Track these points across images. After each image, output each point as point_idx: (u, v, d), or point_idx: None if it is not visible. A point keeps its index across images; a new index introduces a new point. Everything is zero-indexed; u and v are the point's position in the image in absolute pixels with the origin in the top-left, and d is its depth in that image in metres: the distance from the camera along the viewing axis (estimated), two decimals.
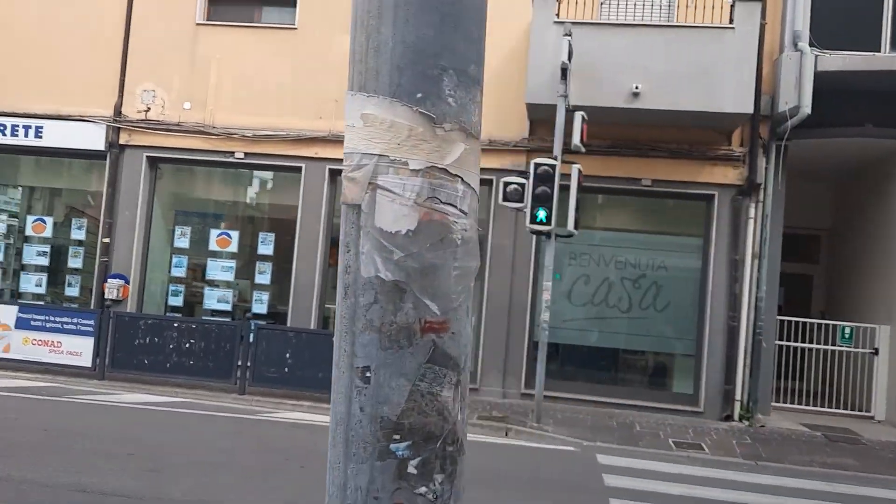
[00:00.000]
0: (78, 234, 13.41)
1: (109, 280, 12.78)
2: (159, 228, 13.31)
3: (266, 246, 12.97)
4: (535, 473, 7.86)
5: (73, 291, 13.35)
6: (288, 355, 10.57)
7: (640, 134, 11.72)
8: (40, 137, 13.03)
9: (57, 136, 13.01)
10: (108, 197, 12.98)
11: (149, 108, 12.93)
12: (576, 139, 10.26)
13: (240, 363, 10.62)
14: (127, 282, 12.86)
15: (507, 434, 9.82)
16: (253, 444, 8.02)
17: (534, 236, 11.51)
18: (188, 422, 8.92)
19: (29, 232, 13.48)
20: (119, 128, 12.95)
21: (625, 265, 12.22)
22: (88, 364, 10.84)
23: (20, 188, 13.93)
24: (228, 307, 12.92)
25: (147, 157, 12.97)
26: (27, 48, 13.20)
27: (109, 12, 13.03)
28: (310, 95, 12.59)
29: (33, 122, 13.02)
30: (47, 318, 11.00)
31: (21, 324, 10.98)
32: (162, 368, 10.76)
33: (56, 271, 13.52)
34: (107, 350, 10.80)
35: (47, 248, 13.48)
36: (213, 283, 13.05)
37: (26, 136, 13.03)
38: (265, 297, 12.94)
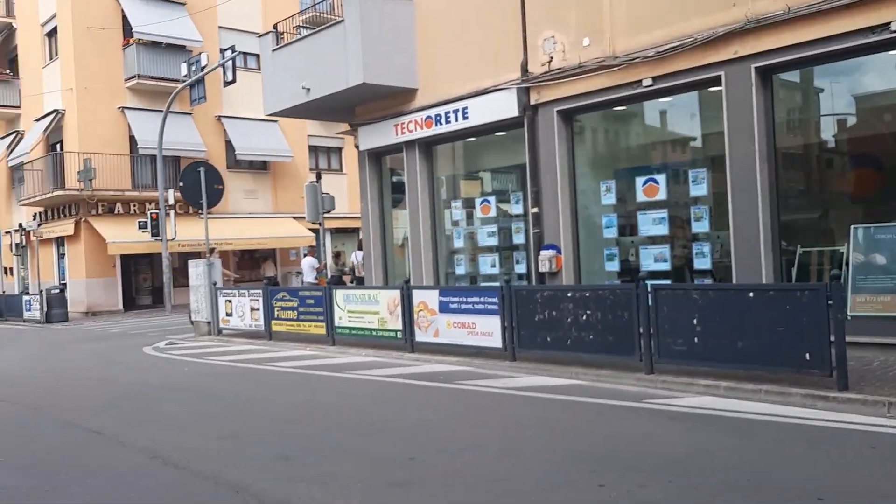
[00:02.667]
0: (516, 208, 12.89)
1: (542, 252, 11.89)
2: (584, 187, 11.89)
3: (698, 186, 10.40)
4: None
5: (521, 268, 12.87)
6: (695, 321, 8.01)
7: None
8: (467, 118, 12.92)
9: (479, 112, 12.73)
10: (530, 164, 12.13)
11: (551, 58, 11.65)
12: None
13: (642, 334, 8.49)
14: (559, 252, 11.78)
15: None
16: (584, 445, 6.00)
17: None
18: (542, 413, 7.31)
19: (479, 214, 13.51)
20: (528, 87, 11.98)
21: None
22: (499, 345, 10.03)
23: (469, 174, 14.12)
24: (667, 266, 10.75)
25: (557, 111, 11.70)
26: (445, 34, 13.27)
27: None
28: None
29: (460, 105, 13.00)
30: (462, 299, 10.58)
31: (443, 307, 10.80)
32: (562, 345, 9.30)
33: (506, 249, 13.25)
34: (513, 328, 9.84)
35: (494, 228, 13.30)
36: (649, 240, 11.03)
37: (456, 119, 13.08)
38: (706, 248, 10.38)
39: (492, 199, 13.32)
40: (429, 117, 13.55)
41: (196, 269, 15.85)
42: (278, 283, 28.42)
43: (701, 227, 10.43)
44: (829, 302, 7.01)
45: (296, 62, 14.72)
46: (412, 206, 14.24)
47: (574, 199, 11.86)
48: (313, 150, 31.69)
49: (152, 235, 23.78)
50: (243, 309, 14.62)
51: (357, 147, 15.30)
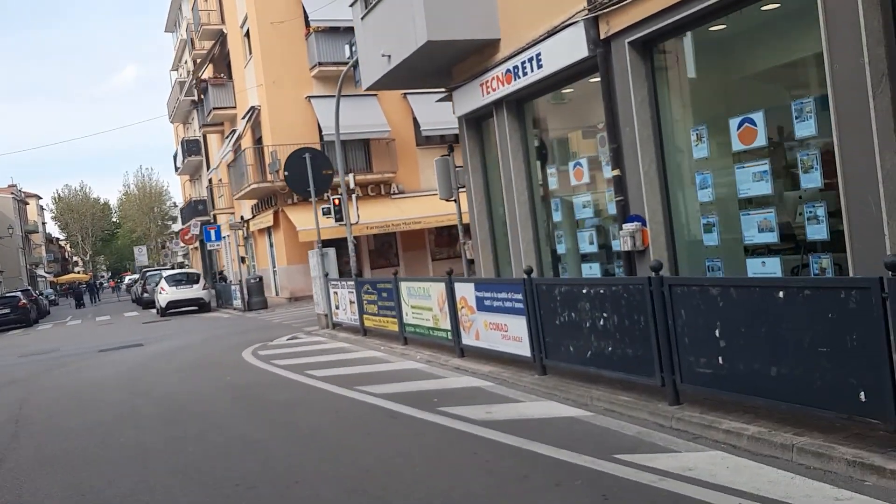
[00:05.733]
0: (608, 171, 10.34)
1: (624, 225, 9.35)
2: (671, 139, 9.11)
3: (804, 124, 7.28)
4: None
5: (618, 244, 10.33)
6: (717, 332, 5.37)
7: None
8: (541, 66, 10.59)
9: (551, 57, 10.35)
10: (606, 114, 9.58)
11: None
12: None
13: (660, 348, 5.97)
14: (644, 224, 9.18)
15: None
16: None
17: None
18: (461, 476, 5.27)
19: (573, 181, 11.13)
20: (596, 17, 9.43)
21: None
22: (528, 353, 7.89)
23: (560, 135, 11.74)
24: (774, 239, 7.78)
25: (629, 43, 9.03)
26: None
27: None
28: None
29: (533, 52, 10.70)
30: (493, 295, 8.54)
31: (479, 304, 8.83)
32: (583, 359, 6.98)
33: (604, 221, 10.76)
34: (539, 333, 7.65)
35: (589, 197, 10.87)
36: (749, 203, 8.08)
37: (532, 69, 10.80)
38: (820, 211, 7.27)
39: (584, 161, 10.88)
40: (508, 71, 11.39)
41: (312, 260, 15.26)
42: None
43: (812, 180, 7.32)
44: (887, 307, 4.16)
45: (377, 27, 13.32)
46: (505, 176, 12.20)
47: (660, 156, 9.14)
48: None
49: (336, 221, 24.00)
50: (345, 302, 13.71)
51: (454, 113, 13.55)
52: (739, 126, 7.97)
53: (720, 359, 5.41)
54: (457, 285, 9.40)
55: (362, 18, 13.94)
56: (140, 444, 7.10)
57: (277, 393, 8.97)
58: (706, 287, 5.53)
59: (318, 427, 7.06)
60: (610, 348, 6.59)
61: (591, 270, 10.94)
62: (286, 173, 15.57)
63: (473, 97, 12.56)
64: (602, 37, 9.42)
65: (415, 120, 28.16)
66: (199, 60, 35.55)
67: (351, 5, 14.55)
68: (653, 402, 6.08)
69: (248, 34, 28.89)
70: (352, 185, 24.41)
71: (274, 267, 28.97)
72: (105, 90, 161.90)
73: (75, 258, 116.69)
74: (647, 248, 9.20)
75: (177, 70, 47.77)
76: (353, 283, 13.28)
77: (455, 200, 16.56)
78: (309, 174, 15.16)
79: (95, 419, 8.59)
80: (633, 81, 9.10)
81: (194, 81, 35.71)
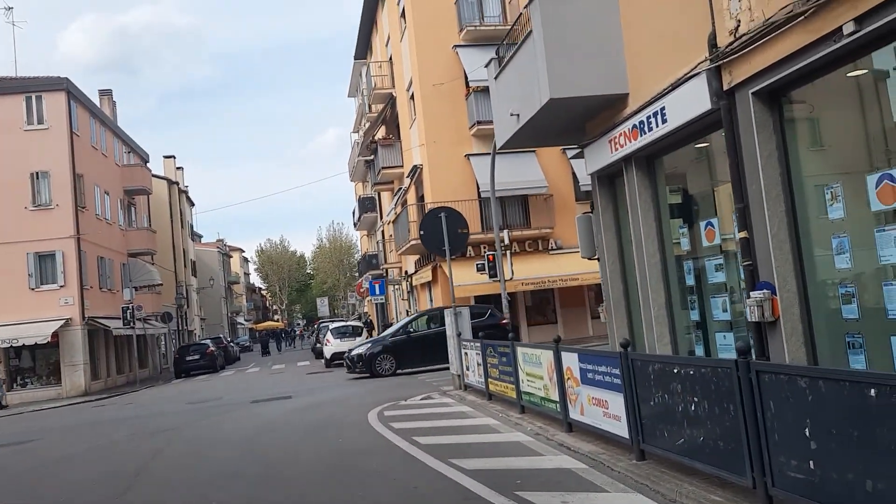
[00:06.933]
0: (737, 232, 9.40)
1: (752, 293, 8.41)
2: (803, 198, 8.11)
3: None
4: None
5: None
6: (807, 431, 4.55)
7: None
8: (666, 121, 9.96)
9: (675, 111, 9.70)
10: (731, 170, 8.76)
11: (738, 22, 8.29)
12: None
13: (750, 444, 5.15)
14: (774, 292, 8.20)
15: None
16: None
17: None
18: None
19: (704, 242, 10.25)
20: (719, 67, 8.71)
21: None
22: (626, 434, 7.18)
23: (694, 193, 10.90)
24: None
25: (752, 94, 8.23)
26: (647, 16, 10.52)
27: None
28: None
29: (658, 106, 10.09)
30: (595, 367, 7.91)
31: (583, 377, 8.22)
32: (675, 446, 6.22)
33: (739, 287, 9.77)
34: (636, 413, 6.95)
35: (721, 260, 9.93)
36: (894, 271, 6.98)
37: (657, 125, 10.18)
38: None
39: (715, 221, 10.00)
40: (634, 126, 10.81)
41: (447, 318, 15.18)
42: None
43: None
44: None
45: (508, 87, 13.22)
46: (636, 235, 11.50)
47: (791, 216, 8.17)
48: None
49: (490, 277, 24.11)
50: (473, 363, 13.44)
51: (587, 171, 13.05)
52: (878, 184, 6.95)
53: (811, 463, 4.58)
54: (563, 355, 8.86)
55: (495, 78, 13.94)
56: None
57: (373, 460, 8.83)
58: (794, 377, 4.73)
59: None
60: (702, 438, 5.83)
61: (725, 340, 9.97)
62: (421, 232, 15.68)
63: (603, 153, 12.06)
64: (725, 88, 8.68)
65: (574, 174, 27.74)
66: (371, 122, 37.36)
67: (486, 66, 14.63)
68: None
69: (412, 96, 29.98)
70: (506, 241, 24.44)
71: None
72: (309, 151, 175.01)
73: (274, 307, 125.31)
74: (777, 318, 8.20)
75: (357, 132, 50.52)
76: (478, 344, 13.00)
77: (598, 259, 15.92)
78: (444, 233, 15.14)
79: (201, 477, 8.89)
80: (759, 135, 8.26)
81: (368, 142, 37.51)
